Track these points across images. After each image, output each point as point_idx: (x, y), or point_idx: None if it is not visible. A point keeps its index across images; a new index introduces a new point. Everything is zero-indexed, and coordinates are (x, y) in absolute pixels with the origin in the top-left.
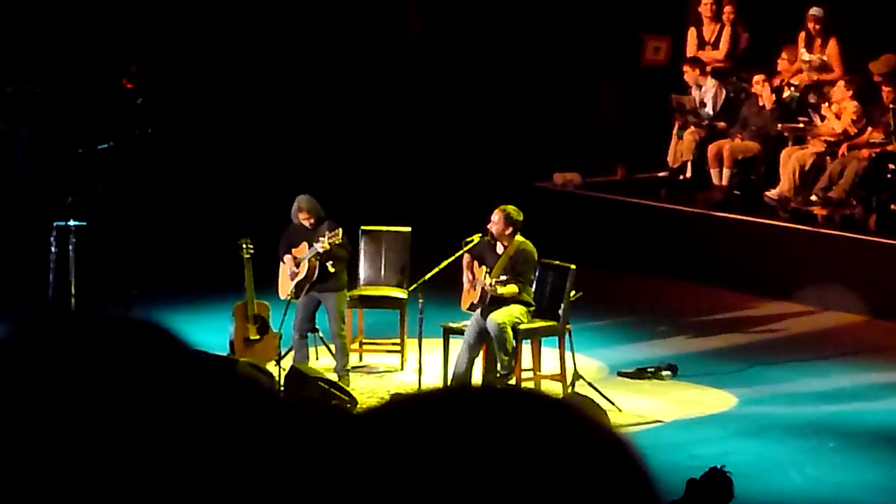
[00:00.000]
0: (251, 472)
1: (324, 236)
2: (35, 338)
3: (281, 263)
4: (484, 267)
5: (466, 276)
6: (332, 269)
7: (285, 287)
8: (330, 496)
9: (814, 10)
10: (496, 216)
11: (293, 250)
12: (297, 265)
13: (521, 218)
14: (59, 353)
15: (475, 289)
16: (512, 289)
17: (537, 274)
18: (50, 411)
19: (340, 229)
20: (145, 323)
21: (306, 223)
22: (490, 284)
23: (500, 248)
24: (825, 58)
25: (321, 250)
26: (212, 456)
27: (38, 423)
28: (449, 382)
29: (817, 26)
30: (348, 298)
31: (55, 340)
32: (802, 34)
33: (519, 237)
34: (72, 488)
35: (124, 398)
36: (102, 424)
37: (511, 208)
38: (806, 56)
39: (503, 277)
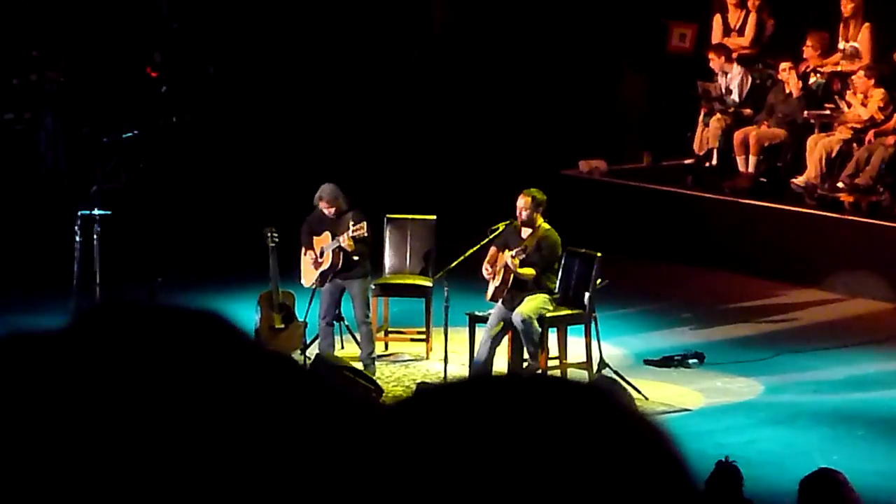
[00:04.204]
0: (309, 465)
1: (349, 229)
2: (97, 329)
3: (303, 250)
4: (508, 251)
5: (485, 269)
6: (355, 258)
7: (309, 275)
8: (364, 490)
9: None
10: (522, 201)
11: (315, 239)
12: (321, 255)
13: (545, 197)
14: (121, 345)
15: (497, 273)
16: (529, 271)
17: (563, 262)
18: (113, 402)
19: (365, 223)
20: (206, 314)
21: (327, 212)
22: (512, 256)
23: (524, 233)
24: (857, 45)
25: (345, 246)
26: (268, 447)
27: (100, 415)
28: (469, 372)
29: (850, 6)
30: (373, 287)
31: (117, 331)
32: (841, 24)
33: (545, 224)
34: (138, 479)
35: (190, 391)
36: (170, 417)
37: (535, 190)
38: (841, 45)
39: (524, 256)
